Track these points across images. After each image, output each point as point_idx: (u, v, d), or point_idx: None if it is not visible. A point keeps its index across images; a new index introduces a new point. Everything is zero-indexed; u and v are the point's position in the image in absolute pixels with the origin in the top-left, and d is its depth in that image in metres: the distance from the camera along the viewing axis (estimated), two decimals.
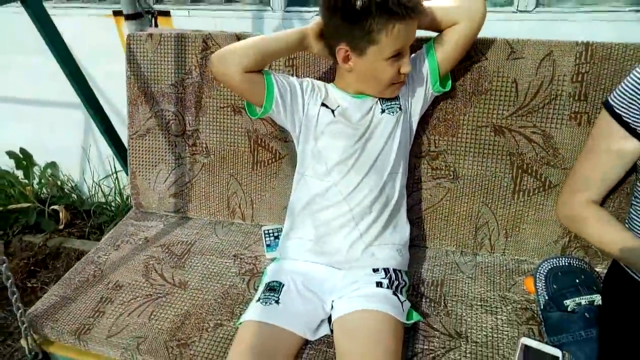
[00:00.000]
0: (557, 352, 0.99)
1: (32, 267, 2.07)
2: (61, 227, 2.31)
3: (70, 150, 2.36)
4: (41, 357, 1.18)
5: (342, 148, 1.13)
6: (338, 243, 1.14)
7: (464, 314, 1.11)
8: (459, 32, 1.09)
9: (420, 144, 1.28)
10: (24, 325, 1.12)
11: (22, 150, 2.42)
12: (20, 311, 1.10)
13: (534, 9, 1.49)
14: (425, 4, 1.06)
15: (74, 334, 1.12)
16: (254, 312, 1.04)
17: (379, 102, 1.15)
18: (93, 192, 2.41)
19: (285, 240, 1.21)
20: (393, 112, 1.15)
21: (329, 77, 1.28)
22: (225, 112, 1.40)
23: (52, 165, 2.44)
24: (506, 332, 1.06)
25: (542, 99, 1.19)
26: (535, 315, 1.10)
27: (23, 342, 1.15)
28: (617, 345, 0.94)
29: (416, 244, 1.33)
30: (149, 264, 1.32)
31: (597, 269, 1.21)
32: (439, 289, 1.20)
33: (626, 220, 1.08)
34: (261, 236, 1.38)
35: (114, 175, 2.31)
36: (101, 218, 2.32)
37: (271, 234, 1.37)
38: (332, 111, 1.15)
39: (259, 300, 1.07)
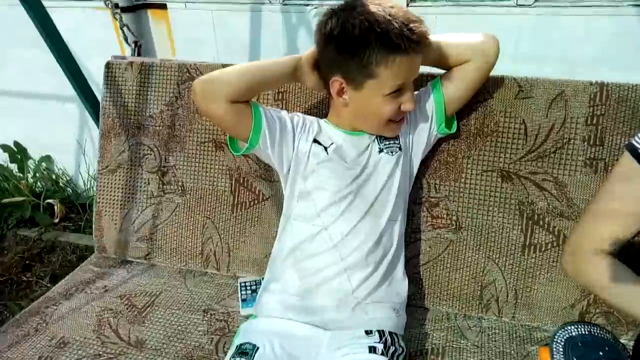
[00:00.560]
0: None
1: (27, 261, 2.04)
2: (56, 221, 2.27)
3: (65, 143, 2.31)
4: None
5: (335, 189, 1.00)
6: (326, 298, 0.98)
7: None
8: (471, 71, 1.00)
9: (419, 188, 1.15)
10: None
11: (16, 143, 2.37)
12: None
13: (534, 3, 1.45)
14: (433, 38, 0.96)
15: None
16: None
17: (376, 140, 1.04)
18: (88, 186, 2.36)
19: (264, 293, 1.05)
20: (392, 152, 1.03)
21: (322, 112, 1.17)
22: (206, 148, 1.27)
23: (47, 159, 2.40)
24: None
25: (554, 143, 1.08)
26: None
27: None
28: None
29: (413, 304, 1.16)
30: (103, 317, 1.13)
31: (621, 340, 1.05)
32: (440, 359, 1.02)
33: None
34: (237, 289, 1.21)
35: None
36: None
37: (248, 287, 1.21)
38: (325, 148, 1.03)
39: None
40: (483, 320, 1.14)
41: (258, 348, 0.91)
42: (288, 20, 1.69)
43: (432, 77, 1.11)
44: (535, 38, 1.50)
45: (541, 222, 1.10)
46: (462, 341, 1.08)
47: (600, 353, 0.95)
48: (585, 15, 1.43)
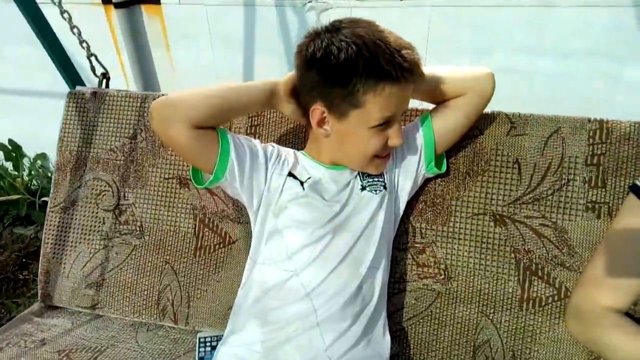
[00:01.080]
0: None
1: (23, 259, 2.04)
2: None
3: None
4: None
5: (310, 229, 0.89)
6: (294, 357, 0.84)
7: None
8: (464, 106, 0.92)
9: (403, 233, 1.03)
10: None
11: (11, 141, 2.35)
12: None
13: None
14: (426, 70, 0.88)
15: None
16: None
17: (359, 176, 0.94)
18: None
19: (223, 347, 0.90)
20: (376, 191, 0.93)
21: (299, 143, 1.08)
22: (169, 184, 1.15)
23: (42, 156, 2.37)
24: None
25: (551, 184, 0.98)
26: None
27: None
28: None
29: None
30: None
31: None
32: None
33: None
34: (195, 345, 1.05)
35: None
36: None
37: (208, 344, 1.05)
38: (301, 183, 0.92)
39: None
40: None
41: None
42: (282, 15, 1.67)
43: (419, 112, 1.03)
44: (530, 30, 1.47)
45: (540, 273, 0.98)
46: None
47: None
48: (580, 6, 1.40)
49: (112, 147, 1.19)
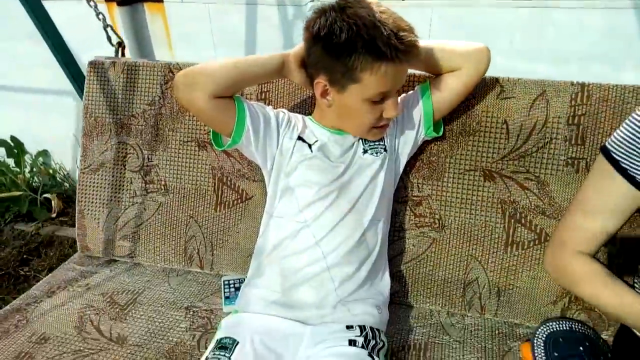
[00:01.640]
0: None
1: (24, 256, 2.06)
2: (53, 215, 2.28)
3: (62, 138, 2.32)
4: None
5: (317, 186, 1.00)
6: (308, 296, 0.98)
7: None
8: (461, 78, 1.00)
9: (402, 187, 1.15)
10: None
11: (13, 138, 2.37)
12: None
13: None
14: (425, 43, 0.96)
15: None
16: None
17: (361, 140, 1.04)
18: None
19: (247, 289, 1.04)
20: (377, 154, 1.03)
21: (306, 109, 1.18)
22: (188, 147, 1.26)
23: (44, 153, 2.41)
24: None
25: (535, 142, 1.09)
26: None
27: None
28: None
29: (397, 301, 1.17)
30: (85, 314, 1.12)
31: (603, 336, 1.06)
32: (422, 355, 1.02)
33: (636, 279, 0.95)
34: (220, 287, 1.20)
35: None
36: None
37: (231, 285, 1.20)
38: (310, 146, 1.03)
39: None
40: (466, 317, 1.15)
41: (238, 343, 0.91)
42: (284, 13, 1.69)
43: (420, 79, 1.11)
44: (529, 33, 1.50)
45: (523, 221, 1.11)
46: (445, 337, 1.08)
47: (581, 348, 0.96)
48: (577, 8, 1.42)
49: (133, 113, 1.29)
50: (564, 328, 1.02)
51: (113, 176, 1.32)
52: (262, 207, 1.10)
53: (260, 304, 1.00)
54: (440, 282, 1.17)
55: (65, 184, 2.43)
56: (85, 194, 1.34)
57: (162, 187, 1.29)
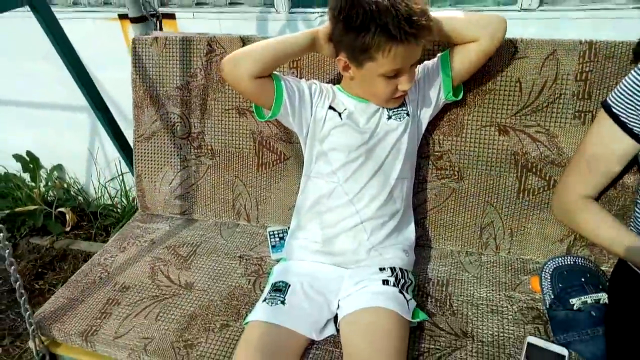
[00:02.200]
0: (563, 351, 0.99)
1: (39, 269, 2.10)
2: (68, 229, 2.33)
3: (76, 153, 2.38)
4: (48, 359, 1.19)
5: (348, 150, 1.13)
6: (345, 244, 1.15)
7: (470, 314, 1.11)
8: (478, 49, 1.08)
9: (424, 144, 1.28)
10: (32, 327, 1.13)
11: (28, 153, 2.45)
12: (28, 313, 1.11)
13: (538, 7, 1.48)
14: (441, 15, 1.04)
15: (81, 335, 1.13)
16: (260, 312, 1.05)
17: (385, 107, 1.15)
18: (99, 194, 2.42)
19: (292, 240, 1.22)
20: (400, 118, 1.14)
21: (334, 79, 1.29)
22: (230, 115, 1.40)
23: (59, 167, 2.47)
24: (512, 332, 1.06)
25: (546, 98, 1.19)
26: (542, 315, 1.10)
27: (31, 343, 1.16)
28: (624, 343, 0.94)
29: (421, 244, 1.33)
30: (155, 265, 1.32)
31: (602, 268, 1.21)
32: (444, 289, 1.20)
33: (631, 219, 1.08)
34: (266, 237, 1.39)
35: (120, 177, 2.32)
36: (107, 220, 2.33)
37: (276, 235, 1.38)
38: (339, 114, 1.15)
39: (264, 300, 1.07)
40: (482, 256, 1.31)
41: (290, 285, 1.10)
42: (294, 28, 1.72)
43: (442, 47, 1.18)
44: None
45: (534, 170, 1.23)
46: (464, 274, 1.25)
47: (582, 279, 1.12)
48: (589, 19, 1.44)
49: (177, 85, 1.43)
50: (569, 262, 1.18)
51: (164, 143, 1.48)
52: (299, 166, 1.25)
53: (304, 253, 1.18)
54: (459, 226, 1.32)
55: (80, 198, 2.47)
56: (141, 159, 1.51)
57: (209, 152, 1.44)
